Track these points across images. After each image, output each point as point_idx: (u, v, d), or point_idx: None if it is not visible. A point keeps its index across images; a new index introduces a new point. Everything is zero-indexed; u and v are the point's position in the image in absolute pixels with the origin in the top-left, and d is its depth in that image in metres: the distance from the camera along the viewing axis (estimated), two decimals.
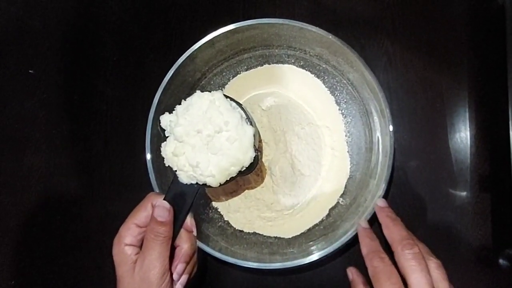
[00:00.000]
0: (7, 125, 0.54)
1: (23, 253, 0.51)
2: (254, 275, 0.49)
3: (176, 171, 0.39)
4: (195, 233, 0.40)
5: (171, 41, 0.55)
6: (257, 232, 0.48)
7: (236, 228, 0.49)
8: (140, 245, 0.38)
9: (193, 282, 0.51)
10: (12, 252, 0.51)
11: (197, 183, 0.39)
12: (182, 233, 0.39)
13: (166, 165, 0.40)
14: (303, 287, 0.49)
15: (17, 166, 0.53)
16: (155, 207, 0.38)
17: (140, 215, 0.38)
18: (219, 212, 0.50)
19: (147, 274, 0.36)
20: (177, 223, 0.39)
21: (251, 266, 0.43)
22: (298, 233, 0.48)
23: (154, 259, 0.36)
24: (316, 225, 0.48)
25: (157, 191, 0.44)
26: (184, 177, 0.39)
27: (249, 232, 0.48)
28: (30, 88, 0.56)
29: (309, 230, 0.48)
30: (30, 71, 0.56)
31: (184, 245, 0.39)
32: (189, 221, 0.40)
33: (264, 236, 0.48)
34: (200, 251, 0.43)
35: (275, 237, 0.48)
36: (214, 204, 0.50)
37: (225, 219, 0.49)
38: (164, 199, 0.39)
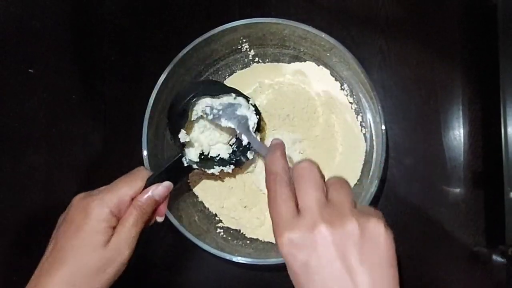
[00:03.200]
0: (6, 124, 0.55)
1: (23, 253, 0.52)
2: (250, 270, 0.50)
3: (184, 148, 0.42)
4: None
5: (168, 41, 0.55)
6: (253, 237, 0.49)
7: (232, 228, 0.49)
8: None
9: (190, 278, 0.52)
10: (11, 252, 0.52)
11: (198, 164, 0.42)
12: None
13: (182, 140, 0.42)
14: None
15: (17, 165, 0.54)
16: (160, 186, 0.38)
17: (133, 189, 0.37)
18: (215, 211, 0.50)
19: (120, 250, 0.35)
20: None
21: (246, 262, 0.43)
22: None
23: (133, 237, 0.36)
24: None
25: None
26: (193, 155, 0.42)
27: (244, 233, 0.49)
28: (30, 88, 0.56)
29: None
30: (29, 70, 0.57)
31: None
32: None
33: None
34: (197, 247, 0.44)
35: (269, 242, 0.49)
36: (211, 203, 0.50)
37: (220, 218, 0.50)
38: (159, 176, 0.39)
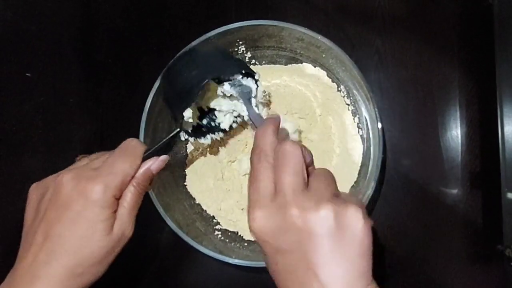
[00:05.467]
0: (3, 128, 0.55)
1: None
2: (248, 272, 0.50)
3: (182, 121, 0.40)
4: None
5: (164, 44, 0.55)
6: (251, 239, 0.49)
7: (230, 230, 0.49)
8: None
9: (188, 280, 0.52)
10: (10, 255, 0.52)
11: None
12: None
13: (186, 119, 0.41)
14: None
15: (14, 168, 0.54)
16: (158, 161, 0.36)
17: (133, 166, 0.35)
18: (213, 213, 0.50)
19: (124, 233, 0.33)
20: None
21: (244, 264, 0.43)
22: None
23: (134, 217, 0.34)
24: None
25: (151, 192, 0.44)
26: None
27: (241, 235, 0.49)
28: (27, 91, 0.56)
29: None
30: (27, 74, 0.57)
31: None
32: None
33: None
34: (195, 250, 0.44)
35: None
36: (209, 206, 0.50)
37: (218, 220, 0.50)
38: (156, 150, 0.37)
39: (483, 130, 0.49)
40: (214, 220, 0.50)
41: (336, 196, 0.28)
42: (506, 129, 0.43)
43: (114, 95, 0.55)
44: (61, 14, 0.58)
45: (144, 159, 0.36)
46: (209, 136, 0.45)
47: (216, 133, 0.46)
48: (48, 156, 0.54)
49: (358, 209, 0.27)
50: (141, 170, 0.35)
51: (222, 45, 0.48)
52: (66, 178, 0.33)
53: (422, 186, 0.49)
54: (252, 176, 0.29)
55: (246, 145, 0.50)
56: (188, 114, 0.41)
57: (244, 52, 0.50)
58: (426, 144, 0.50)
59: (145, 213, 0.52)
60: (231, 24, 0.46)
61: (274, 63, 0.52)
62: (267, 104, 0.49)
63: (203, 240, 0.45)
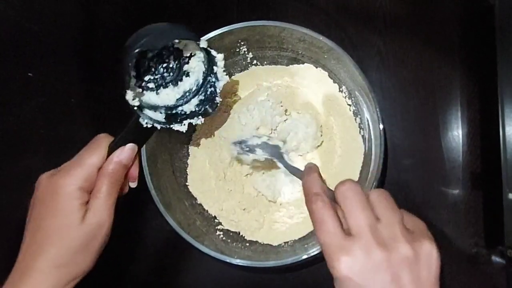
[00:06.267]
0: (5, 127, 0.55)
1: None
2: (249, 273, 0.50)
3: (139, 110, 0.38)
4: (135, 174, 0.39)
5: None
6: (252, 239, 0.49)
7: (231, 230, 0.49)
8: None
9: (190, 280, 0.52)
10: (10, 255, 0.52)
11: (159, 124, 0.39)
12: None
13: (131, 103, 0.37)
14: (298, 284, 0.50)
15: (15, 168, 0.54)
16: (125, 150, 0.37)
17: (99, 158, 0.35)
18: (215, 213, 0.50)
19: (99, 223, 0.34)
20: None
21: (246, 265, 0.43)
22: (296, 238, 0.48)
23: (109, 208, 0.35)
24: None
25: (153, 192, 0.45)
26: (154, 115, 0.39)
27: (243, 236, 0.49)
28: (29, 91, 0.56)
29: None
30: (29, 74, 0.57)
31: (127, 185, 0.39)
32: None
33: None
34: (196, 250, 0.44)
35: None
36: (210, 206, 0.50)
37: (220, 220, 0.50)
38: (121, 140, 0.37)
39: (484, 130, 0.49)
40: (216, 220, 0.50)
41: (402, 218, 0.30)
42: (507, 129, 0.43)
43: (114, 95, 0.55)
44: (62, 14, 0.58)
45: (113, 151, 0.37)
46: (186, 122, 0.41)
47: (195, 118, 0.41)
48: (49, 156, 0.54)
49: (432, 242, 0.30)
50: (111, 162, 0.36)
51: (224, 48, 0.48)
52: (42, 177, 0.36)
53: (423, 186, 0.49)
54: (319, 222, 0.30)
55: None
56: (129, 96, 0.37)
57: (246, 52, 0.51)
58: (427, 144, 0.50)
59: (146, 212, 0.52)
60: (233, 25, 0.46)
61: (275, 63, 0.52)
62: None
63: (204, 240, 0.45)
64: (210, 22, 0.55)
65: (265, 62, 0.52)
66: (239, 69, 0.52)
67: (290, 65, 0.51)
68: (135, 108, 0.38)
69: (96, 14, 0.58)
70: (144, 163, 0.45)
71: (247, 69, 0.52)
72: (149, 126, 0.38)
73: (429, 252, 0.29)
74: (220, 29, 0.46)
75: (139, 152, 0.39)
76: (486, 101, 0.49)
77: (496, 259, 0.47)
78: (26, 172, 0.54)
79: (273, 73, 0.52)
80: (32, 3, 0.58)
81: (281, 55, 0.51)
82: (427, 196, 0.49)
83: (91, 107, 0.55)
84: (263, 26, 0.46)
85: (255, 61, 0.52)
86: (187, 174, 0.51)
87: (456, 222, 0.49)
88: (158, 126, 0.39)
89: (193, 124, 0.42)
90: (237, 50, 0.50)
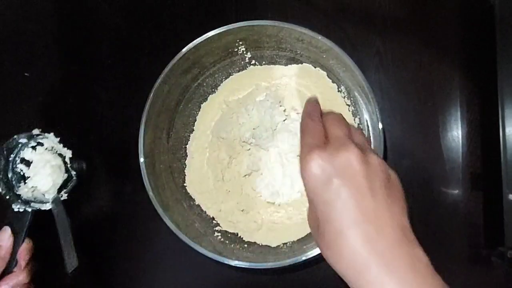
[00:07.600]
0: (2, 128, 0.55)
1: None
2: (248, 274, 0.50)
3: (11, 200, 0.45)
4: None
5: (164, 44, 0.55)
6: (250, 240, 0.49)
7: (230, 231, 0.49)
8: None
9: (188, 281, 0.51)
10: None
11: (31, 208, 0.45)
12: (20, 260, 0.41)
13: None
14: (297, 286, 0.49)
15: None
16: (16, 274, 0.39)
17: None
18: (213, 214, 0.50)
19: None
20: (14, 249, 0.41)
21: (244, 266, 0.43)
22: (295, 239, 0.48)
23: None
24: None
25: (151, 193, 0.44)
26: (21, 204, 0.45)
27: (241, 237, 0.49)
28: (26, 91, 0.56)
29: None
30: (25, 74, 0.57)
31: (20, 275, 0.40)
32: (26, 247, 0.41)
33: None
34: (194, 251, 0.43)
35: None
36: (208, 207, 0.50)
37: (218, 221, 0.50)
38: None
39: (484, 131, 0.49)
40: (214, 221, 0.49)
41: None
42: (507, 130, 0.43)
43: (113, 95, 0.55)
44: (60, 13, 0.58)
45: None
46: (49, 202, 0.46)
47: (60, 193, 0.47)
48: None
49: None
50: None
51: (222, 47, 0.48)
52: None
53: (423, 186, 0.49)
54: (304, 128, 0.32)
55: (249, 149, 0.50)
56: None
57: (244, 52, 0.50)
58: (427, 145, 0.50)
59: (144, 213, 0.52)
60: (231, 25, 0.46)
61: (274, 63, 0.51)
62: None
63: (202, 241, 0.45)
64: (208, 22, 0.55)
65: (264, 62, 0.52)
66: (237, 69, 0.52)
67: (289, 65, 0.51)
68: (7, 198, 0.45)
69: (95, 13, 0.57)
70: (142, 164, 0.45)
71: (246, 69, 0.52)
72: (21, 210, 0.44)
73: (391, 170, 0.31)
74: (218, 28, 0.46)
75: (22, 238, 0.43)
76: (486, 101, 0.49)
77: (496, 260, 0.47)
78: None
79: (272, 73, 0.51)
80: (30, 2, 0.58)
81: (280, 55, 0.50)
82: (426, 197, 0.49)
83: (88, 108, 0.55)
84: (261, 25, 0.46)
85: (253, 61, 0.51)
86: (185, 175, 0.50)
87: (455, 223, 0.48)
88: (28, 208, 0.44)
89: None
90: (235, 50, 0.50)
